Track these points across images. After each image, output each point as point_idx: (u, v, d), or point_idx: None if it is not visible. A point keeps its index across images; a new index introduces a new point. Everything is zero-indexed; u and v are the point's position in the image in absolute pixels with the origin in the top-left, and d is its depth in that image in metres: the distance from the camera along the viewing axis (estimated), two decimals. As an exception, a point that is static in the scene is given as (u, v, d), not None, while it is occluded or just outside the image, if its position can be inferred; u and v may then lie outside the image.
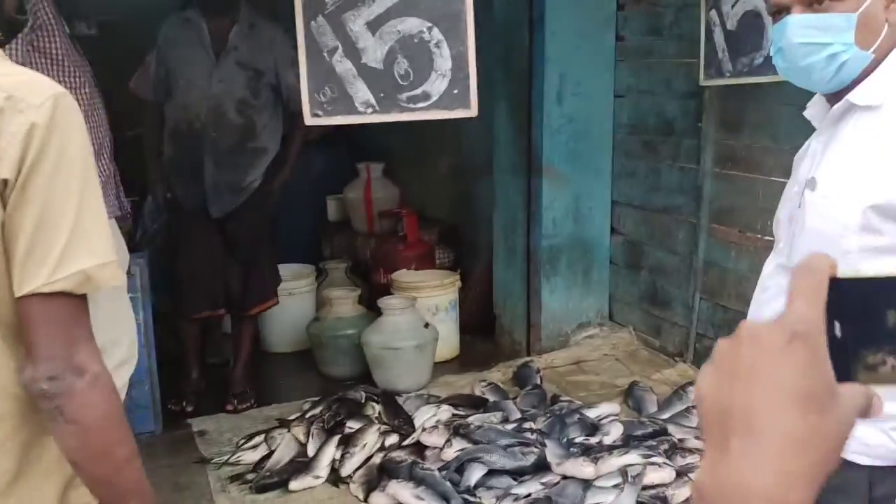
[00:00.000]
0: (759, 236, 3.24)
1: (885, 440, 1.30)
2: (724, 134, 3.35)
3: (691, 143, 3.52)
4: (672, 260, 3.70)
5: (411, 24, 1.67)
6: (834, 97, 1.38)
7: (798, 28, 1.30)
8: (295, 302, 4.10)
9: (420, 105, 1.73)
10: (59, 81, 2.19)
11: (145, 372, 3.10)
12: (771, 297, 1.41)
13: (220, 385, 3.55)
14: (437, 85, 1.71)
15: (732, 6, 2.77)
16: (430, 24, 1.70)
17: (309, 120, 1.68)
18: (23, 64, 2.06)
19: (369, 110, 1.70)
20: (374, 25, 1.65)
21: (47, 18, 2.18)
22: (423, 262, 4.27)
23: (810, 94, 1.47)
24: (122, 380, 2.33)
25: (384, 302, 3.59)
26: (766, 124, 3.14)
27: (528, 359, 3.78)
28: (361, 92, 1.69)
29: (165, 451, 3.06)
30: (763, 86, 3.11)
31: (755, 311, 1.47)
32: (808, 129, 2.99)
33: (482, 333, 4.27)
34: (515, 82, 3.87)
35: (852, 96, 1.31)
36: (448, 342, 3.91)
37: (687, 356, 3.63)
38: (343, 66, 1.66)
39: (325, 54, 1.66)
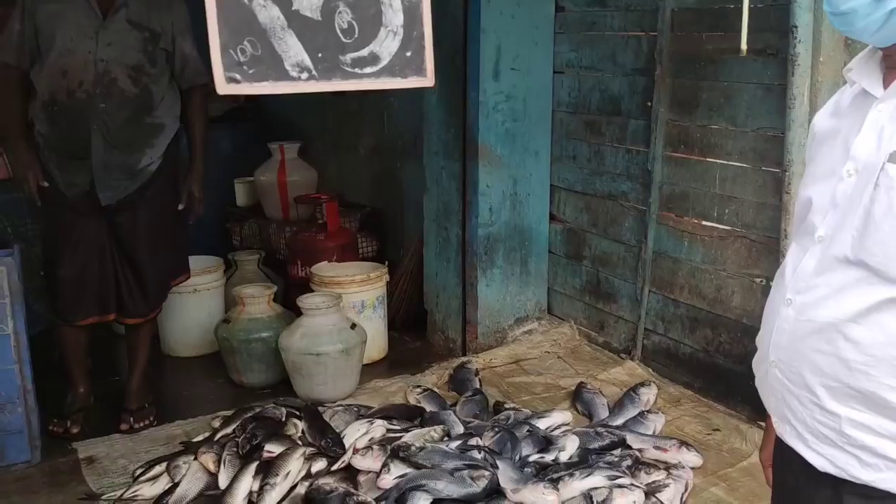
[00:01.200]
0: (715, 225, 3.01)
1: None
2: (678, 114, 3.10)
3: (640, 124, 3.26)
4: (617, 249, 3.45)
5: None
6: (894, 58, 1.11)
7: None
8: (201, 299, 3.63)
9: (367, 70, 1.34)
10: None
11: (17, 391, 2.61)
12: (825, 297, 1.13)
13: (112, 400, 3.07)
14: (387, 45, 1.33)
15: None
16: None
17: (222, 87, 1.28)
18: None
19: (304, 75, 1.30)
20: None
21: None
22: (345, 253, 3.87)
23: (769, 71, 1.18)
24: None
25: (304, 300, 3.18)
26: (723, 104, 2.90)
27: (464, 359, 3.46)
28: (294, 50, 1.28)
29: (45, 485, 2.57)
30: (721, 62, 2.88)
31: (791, 315, 1.17)
32: (772, 109, 2.71)
33: (412, 330, 3.92)
34: (448, 55, 3.50)
35: None
36: (376, 342, 3.54)
37: (634, 353, 3.39)
38: (269, 12, 1.25)
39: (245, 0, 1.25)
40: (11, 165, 2.94)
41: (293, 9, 1.29)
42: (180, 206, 3.00)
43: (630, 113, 3.31)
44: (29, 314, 2.78)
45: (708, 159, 3.01)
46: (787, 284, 1.21)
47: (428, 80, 1.43)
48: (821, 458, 1.17)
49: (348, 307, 3.36)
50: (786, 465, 1.30)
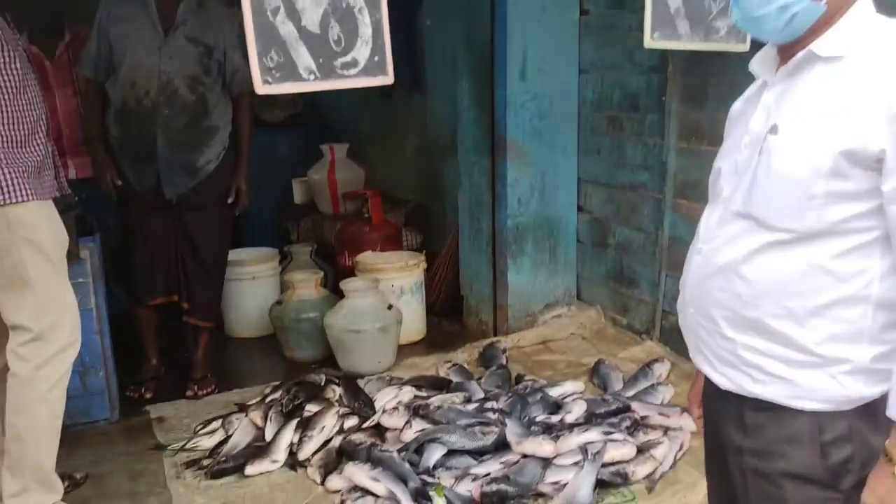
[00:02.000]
0: (723, 211, 3.21)
1: (834, 384, 1.29)
2: (688, 107, 3.31)
3: (655, 118, 3.47)
4: (638, 237, 3.66)
5: None
6: (786, 52, 1.35)
7: None
8: (258, 286, 4.02)
9: (351, 72, 1.66)
10: None
11: (99, 358, 3.02)
12: (723, 244, 1.38)
13: (180, 371, 3.48)
14: (362, 52, 1.66)
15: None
16: None
17: (260, 88, 1.61)
18: None
19: (311, 77, 1.64)
20: None
21: None
22: (390, 244, 4.20)
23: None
24: (65, 364, 2.26)
25: (346, 284, 3.53)
26: (729, 97, 3.03)
27: (494, 339, 3.73)
28: (304, 57, 1.62)
29: (122, 437, 2.98)
30: (725, 57, 3.07)
31: (698, 261, 1.43)
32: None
33: (449, 315, 4.22)
34: (478, 59, 3.80)
35: (815, 47, 1.29)
36: (414, 324, 3.86)
37: (654, 333, 3.60)
38: (286, 28, 1.59)
39: (269, 14, 1.58)
40: (93, 166, 3.38)
41: (302, 24, 1.62)
42: (229, 200, 3.37)
43: (647, 108, 3.52)
44: (111, 297, 3.21)
45: (717, 149, 3.19)
46: (699, 237, 1.46)
47: (389, 79, 1.78)
48: (723, 377, 1.42)
49: (388, 291, 3.68)
50: (706, 394, 1.55)
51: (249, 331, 4.05)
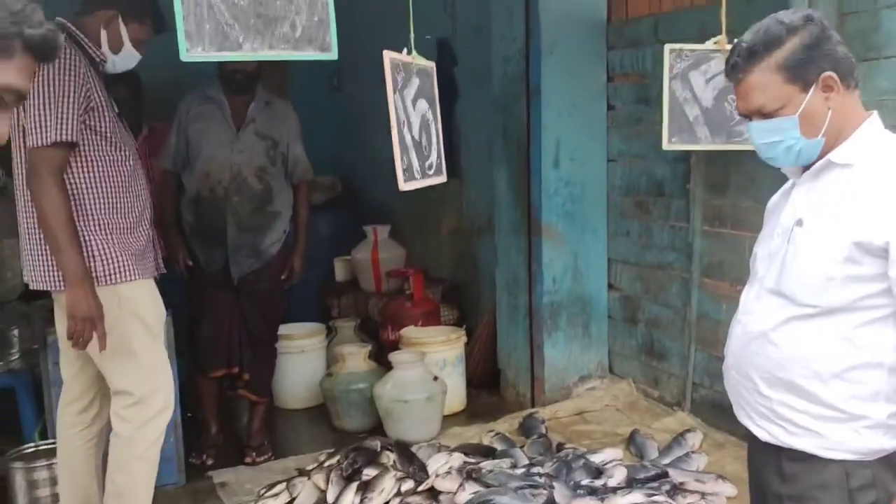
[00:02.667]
0: (747, 289, 3.46)
1: (858, 437, 1.52)
2: (711, 195, 3.60)
3: (681, 204, 3.77)
4: (667, 313, 3.91)
5: (423, 106, 1.98)
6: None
7: (757, 132, 1.61)
8: (307, 359, 4.27)
9: (430, 172, 2.00)
10: (107, 156, 2.44)
11: (171, 425, 3.23)
12: (759, 315, 1.64)
13: (238, 440, 3.70)
14: (434, 156, 2.00)
15: (707, 80, 3.06)
16: (429, 107, 2.00)
17: (402, 186, 1.97)
18: (77, 142, 2.32)
19: (419, 176, 1.96)
20: (414, 103, 1.95)
21: (99, 100, 2.43)
22: (430, 319, 4.46)
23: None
24: (161, 426, 2.50)
25: (395, 356, 3.77)
26: (749, 186, 3.40)
27: (532, 410, 3.94)
28: (415, 160, 1.97)
29: (190, 501, 3.18)
30: (745, 151, 3.38)
31: (739, 331, 1.68)
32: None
33: (488, 387, 4.44)
34: (514, 149, 4.14)
35: (832, 156, 1.57)
36: (456, 395, 4.08)
37: (685, 405, 3.80)
38: (407, 137, 1.92)
39: (399, 126, 1.93)
40: (166, 248, 3.70)
41: (413, 135, 1.96)
42: (283, 277, 3.67)
43: (672, 194, 3.82)
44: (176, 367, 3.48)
45: (738, 232, 3.48)
46: (739, 310, 1.72)
47: (444, 179, 2.11)
48: (763, 430, 1.65)
49: (431, 364, 3.92)
50: (749, 449, 1.78)
51: (298, 402, 4.27)
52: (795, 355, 1.57)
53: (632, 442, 3.47)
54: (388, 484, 2.91)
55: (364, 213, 5.78)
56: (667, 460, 3.24)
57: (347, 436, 3.78)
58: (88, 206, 2.41)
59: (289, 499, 2.99)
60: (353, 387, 3.86)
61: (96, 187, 2.41)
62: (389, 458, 3.17)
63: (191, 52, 1.71)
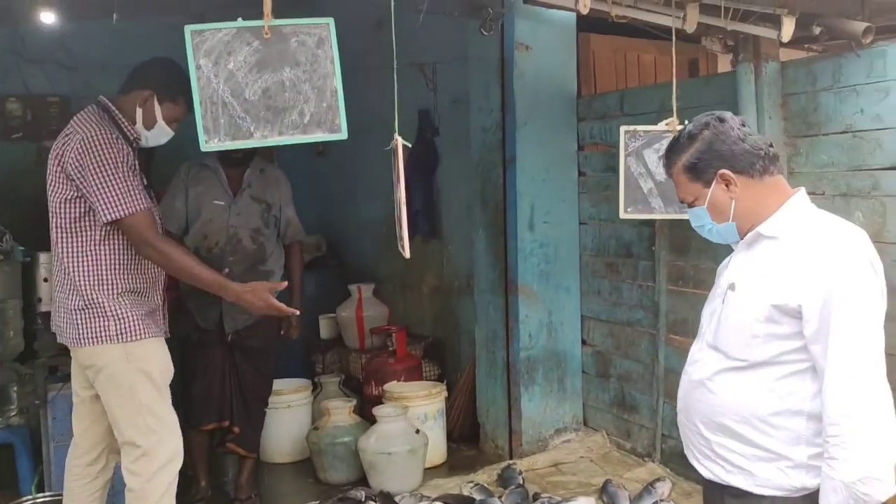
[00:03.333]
0: (709, 344, 3.70)
1: (783, 476, 1.74)
2: (675, 256, 3.87)
3: (647, 265, 4.03)
4: (637, 368, 4.13)
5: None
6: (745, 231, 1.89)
7: (690, 217, 1.95)
8: (293, 414, 4.42)
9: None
10: None
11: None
12: (700, 366, 1.88)
13: (225, 494, 3.82)
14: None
15: (659, 157, 3.36)
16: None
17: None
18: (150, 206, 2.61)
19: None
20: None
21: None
22: (412, 375, 4.65)
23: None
24: (171, 474, 2.65)
25: (379, 410, 3.95)
26: (707, 248, 3.65)
27: (510, 462, 4.11)
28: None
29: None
30: (703, 215, 3.66)
31: (686, 379, 1.92)
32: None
33: (467, 441, 4.61)
34: (492, 212, 4.40)
35: (761, 229, 1.83)
36: (436, 448, 4.24)
37: (655, 456, 3.99)
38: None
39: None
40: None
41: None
42: (282, 332, 3.86)
43: (639, 255, 4.08)
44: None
45: (700, 291, 3.73)
46: (687, 361, 1.96)
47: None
48: (706, 469, 1.87)
49: (413, 418, 4.10)
50: (703, 488, 1.99)
51: (284, 456, 4.41)
52: (729, 402, 1.80)
53: (604, 492, 3.64)
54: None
55: (348, 272, 6.00)
56: (637, 508, 3.42)
57: (332, 488, 3.92)
58: (105, 273, 2.62)
59: (277, 548, 3.13)
60: (338, 440, 4.02)
61: (114, 255, 2.62)
62: (373, 507, 3.33)
63: (209, 143, 1.95)
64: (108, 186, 2.53)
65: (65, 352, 3.37)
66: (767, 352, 1.74)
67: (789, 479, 1.74)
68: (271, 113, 2.02)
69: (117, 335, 2.58)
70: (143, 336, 2.63)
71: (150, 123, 2.76)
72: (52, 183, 2.63)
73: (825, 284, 1.65)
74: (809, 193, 1.93)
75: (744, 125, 1.88)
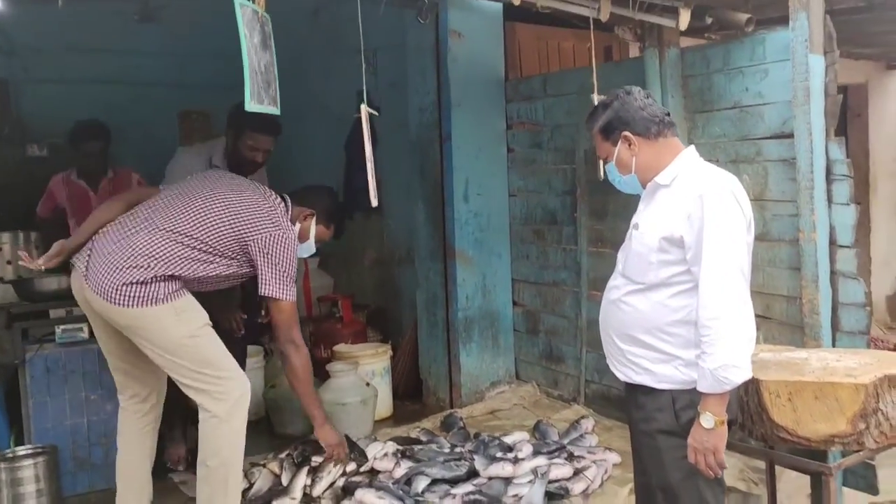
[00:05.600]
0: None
1: (678, 373, 2.21)
2: (594, 221, 4.36)
3: (570, 230, 4.51)
4: (562, 323, 4.61)
5: None
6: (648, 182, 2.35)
7: (608, 172, 2.41)
8: (248, 377, 4.71)
9: None
10: (231, 268, 2.99)
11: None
12: (613, 292, 2.36)
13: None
14: None
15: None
16: None
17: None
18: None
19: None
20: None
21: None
22: (357, 339, 5.02)
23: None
24: (243, 407, 2.95)
25: (333, 366, 4.30)
26: (622, 211, 4.15)
27: (452, 410, 4.53)
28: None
29: (155, 497, 3.58)
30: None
31: (604, 302, 2.38)
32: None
33: (411, 397, 5.01)
34: (430, 186, 4.80)
35: (657, 178, 2.29)
36: (384, 403, 4.63)
37: (579, 399, 4.49)
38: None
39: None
40: None
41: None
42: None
43: (563, 222, 4.56)
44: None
45: (616, 251, 4.22)
46: (606, 288, 2.41)
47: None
48: (621, 374, 2.33)
49: (362, 374, 4.47)
50: (624, 394, 2.45)
51: (240, 416, 4.70)
52: (635, 317, 2.26)
53: (536, 430, 4.10)
54: (333, 467, 3.44)
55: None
56: (566, 441, 3.89)
57: (291, 440, 4.25)
58: (188, 276, 2.88)
59: (247, 485, 3.46)
60: (294, 396, 4.35)
61: (204, 276, 2.93)
62: (333, 448, 3.69)
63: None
64: (283, 274, 2.97)
65: (37, 316, 3.62)
66: (661, 275, 2.21)
67: (682, 375, 2.21)
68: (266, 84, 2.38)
69: (164, 298, 2.80)
70: (183, 295, 2.88)
71: (303, 238, 3.24)
72: (217, 216, 2.92)
73: (699, 218, 2.13)
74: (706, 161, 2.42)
75: (648, 97, 2.35)
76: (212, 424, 2.85)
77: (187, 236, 2.88)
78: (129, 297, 2.76)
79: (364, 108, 2.60)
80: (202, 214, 2.91)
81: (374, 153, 5.57)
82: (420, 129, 4.86)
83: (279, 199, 3.11)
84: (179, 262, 2.85)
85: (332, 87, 5.66)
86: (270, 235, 2.93)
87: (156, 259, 2.82)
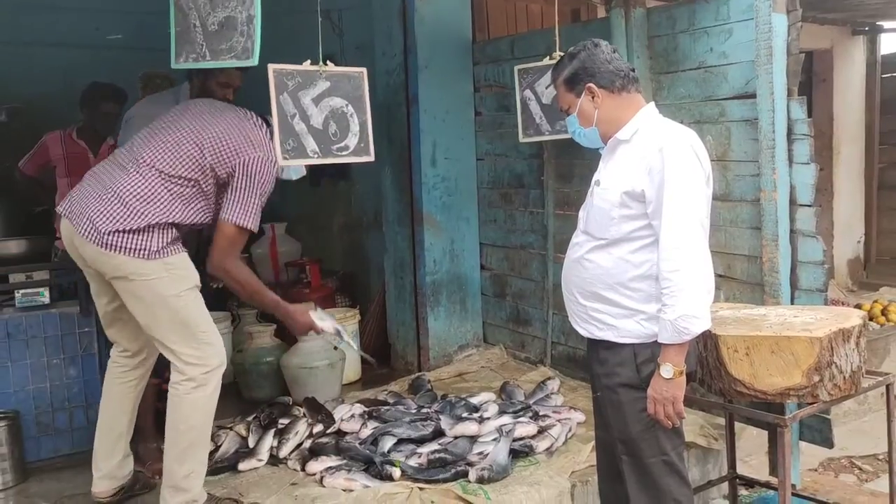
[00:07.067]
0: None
1: (639, 327, 2.23)
2: (560, 184, 4.37)
3: (537, 193, 4.52)
4: (529, 286, 4.64)
5: (337, 102, 2.58)
6: (609, 138, 2.36)
7: (568, 124, 2.39)
8: (215, 342, 4.70)
9: (343, 153, 2.61)
10: (210, 204, 2.93)
11: (100, 396, 3.64)
12: (576, 247, 2.37)
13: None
14: (352, 140, 2.62)
15: (546, 87, 3.83)
16: (346, 102, 2.62)
17: (281, 161, 2.55)
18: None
19: (315, 156, 2.55)
20: (316, 101, 2.54)
21: None
22: (326, 304, 4.98)
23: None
24: (217, 376, 2.87)
25: (299, 330, 4.29)
26: (588, 174, 4.09)
27: (420, 373, 4.56)
28: (311, 144, 2.55)
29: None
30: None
31: (566, 260, 2.39)
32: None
33: (380, 362, 5.00)
34: (397, 150, 4.77)
35: (618, 134, 2.29)
36: (352, 366, 4.64)
37: (546, 361, 4.54)
38: (301, 126, 2.51)
39: (288, 118, 2.51)
40: None
41: (311, 124, 2.54)
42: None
43: (530, 185, 4.57)
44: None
45: (583, 213, 4.25)
46: (567, 249, 2.42)
47: (371, 158, 2.73)
48: (584, 330, 2.35)
49: (329, 338, 4.46)
50: (586, 350, 2.47)
51: (207, 382, 4.69)
52: (597, 273, 2.28)
53: (503, 391, 4.15)
54: (301, 428, 3.45)
55: (262, 214, 6.23)
56: (531, 401, 3.93)
57: (259, 404, 4.25)
58: (176, 218, 2.80)
59: (214, 447, 3.45)
60: (262, 360, 4.35)
61: (184, 208, 2.82)
62: (300, 411, 3.70)
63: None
64: (246, 200, 2.80)
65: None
66: (623, 230, 2.22)
67: (643, 329, 2.24)
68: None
69: (157, 251, 2.74)
70: (177, 252, 2.81)
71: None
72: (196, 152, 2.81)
73: (659, 172, 2.14)
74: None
75: (615, 52, 2.34)
76: (185, 388, 2.82)
77: (170, 174, 2.81)
78: (121, 246, 2.72)
79: (270, 68, 2.61)
80: (183, 145, 2.83)
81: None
82: (387, 93, 4.81)
83: (261, 120, 2.96)
84: (170, 203, 2.78)
85: (300, 48, 5.57)
86: (251, 159, 2.81)
87: (146, 201, 2.75)
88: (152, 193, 2.77)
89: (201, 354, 2.82)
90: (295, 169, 3.04)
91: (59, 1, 5.71)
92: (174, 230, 2.81)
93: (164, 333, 2.81)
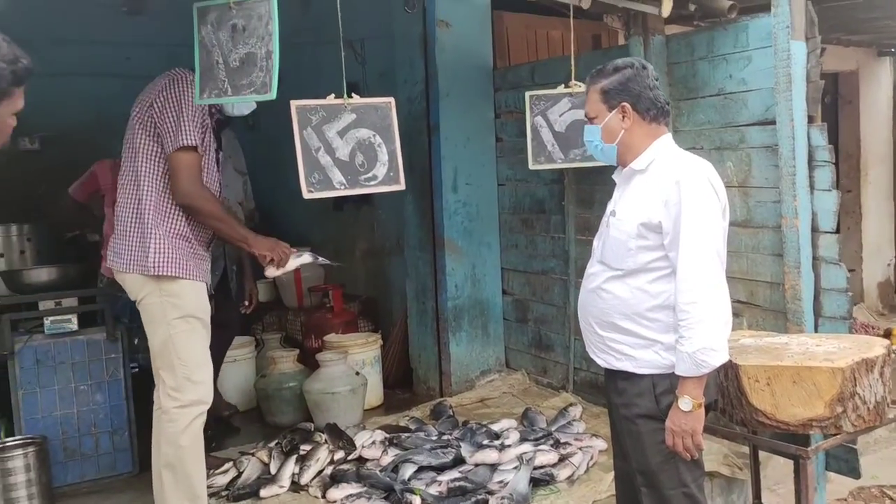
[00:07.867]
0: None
1: (658, 357, 2.22)
2: (581, 209, 4.38)
3: (558, 218, 4.52)
4: (551, 311, 4.63)
5: (364, 133, 2.64)
6: (623, 167, 2.36)
7: (585, 132, 2.36)
8: (238, 367, 4.75)
9: (372, 183, 2.66)
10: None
11: (125, 421, 3.70)
12: (592, 277, 2.36)
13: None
14: (380, 170, 2.66)
15: (560, 115, 3.85)
16: (374, 133, 2.67)
17: (306, 195, 2.61)
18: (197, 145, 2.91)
19: (342, 187, 2.60)
20: (342, 133, 2.59)
21: (207, 127, 2.95)
22: (348, 329, 5.04)
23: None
24: (191, 415, 2.83)
25: (322, 355, 4.33)
26: (608, 199, 4.16)
27: (441, 399, 4.56)
28: (337, 176, 2.60)
29: (146, 487, 3.61)
30: (605, 172, 4.16)
31: (582, 290, 2.39)
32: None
33: (402, 386, 5.04)
34: (419, 176, 4.81)
35: (633, 164, 2.29)
36: (374, 392, 4.65)
37: (568, 387, 4.52)
38: (326, 159, 2.56)
39: (313, 151, 2.56)
40: None
41: (336, 156, 2.59)
42: (246, 303, 4.18)
43: (551, 210, 4.58)
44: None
45: (604, 239, 4.25)
46: (584, 276, 2.43)
47: (402, 186, 2.75)
48: (602, 360, 2.34)
49: (352, 363, 4.49)
50: (605, 381, 2.46)
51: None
52: (614, 304, 2.28)
53: (525, 417, 4.13)
54: (322, 454, 3.46)
55: (283, 239, 6.29)
56: (553, 428, 3.92)
57: (281, 429, 4.28)
58: (163, 209, 2.85)
59: (236, 473, 3.48)
60: (284, 385, 4.39)
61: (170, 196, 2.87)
62: (321, 437, 3.71)
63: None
64: (173, 121, 2.81)
65: (28, 308, 3.64)
66: (640, 261, 2.22)
67: (662, 360, 2.23)
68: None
69: (153, 267, 2.79)
70: (179, 275, 2.83)
71: None
72: (138, 124, 2.90)
73: (676, 204, 2.14)
74: (690, 148, 2.43)
75: (657, 80, 2.34)
76: (157, 415, 2.88)
77: (135, 161, 2.92)
78: (125, 262, 2.84)
79: (293, 104, 2.66)
80: (128, 132, 2.96)
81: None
82: (408, 120, 4.86)
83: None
84: (147, 194, 2.87)
85: (323, 78, 5.65)
86: (161, 86, 2.89)
87: (133, 209, 2.88)
88: (134, 198, 2.88)
89: (177, 387, 2.82)
90: (247, 105, 3.05)
91: (92, 35, 5.86)
92: (178, 241, 2.85)
93: (152, 354, 2.88)
